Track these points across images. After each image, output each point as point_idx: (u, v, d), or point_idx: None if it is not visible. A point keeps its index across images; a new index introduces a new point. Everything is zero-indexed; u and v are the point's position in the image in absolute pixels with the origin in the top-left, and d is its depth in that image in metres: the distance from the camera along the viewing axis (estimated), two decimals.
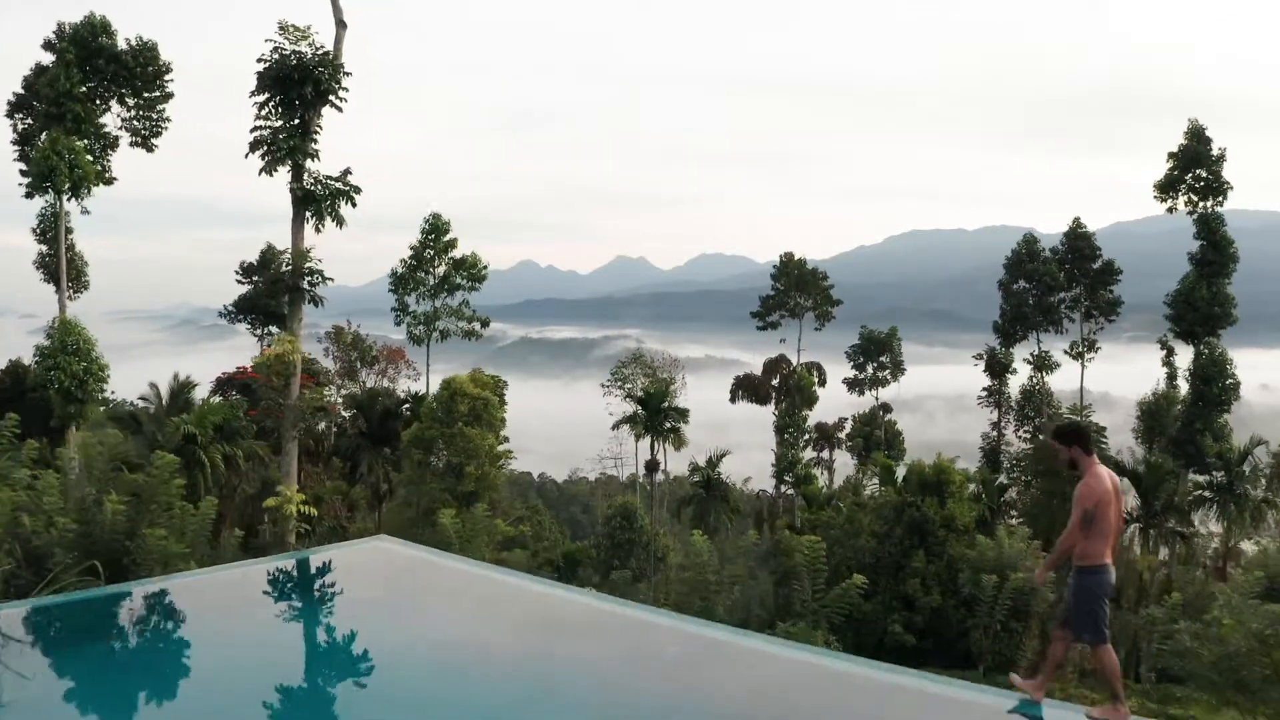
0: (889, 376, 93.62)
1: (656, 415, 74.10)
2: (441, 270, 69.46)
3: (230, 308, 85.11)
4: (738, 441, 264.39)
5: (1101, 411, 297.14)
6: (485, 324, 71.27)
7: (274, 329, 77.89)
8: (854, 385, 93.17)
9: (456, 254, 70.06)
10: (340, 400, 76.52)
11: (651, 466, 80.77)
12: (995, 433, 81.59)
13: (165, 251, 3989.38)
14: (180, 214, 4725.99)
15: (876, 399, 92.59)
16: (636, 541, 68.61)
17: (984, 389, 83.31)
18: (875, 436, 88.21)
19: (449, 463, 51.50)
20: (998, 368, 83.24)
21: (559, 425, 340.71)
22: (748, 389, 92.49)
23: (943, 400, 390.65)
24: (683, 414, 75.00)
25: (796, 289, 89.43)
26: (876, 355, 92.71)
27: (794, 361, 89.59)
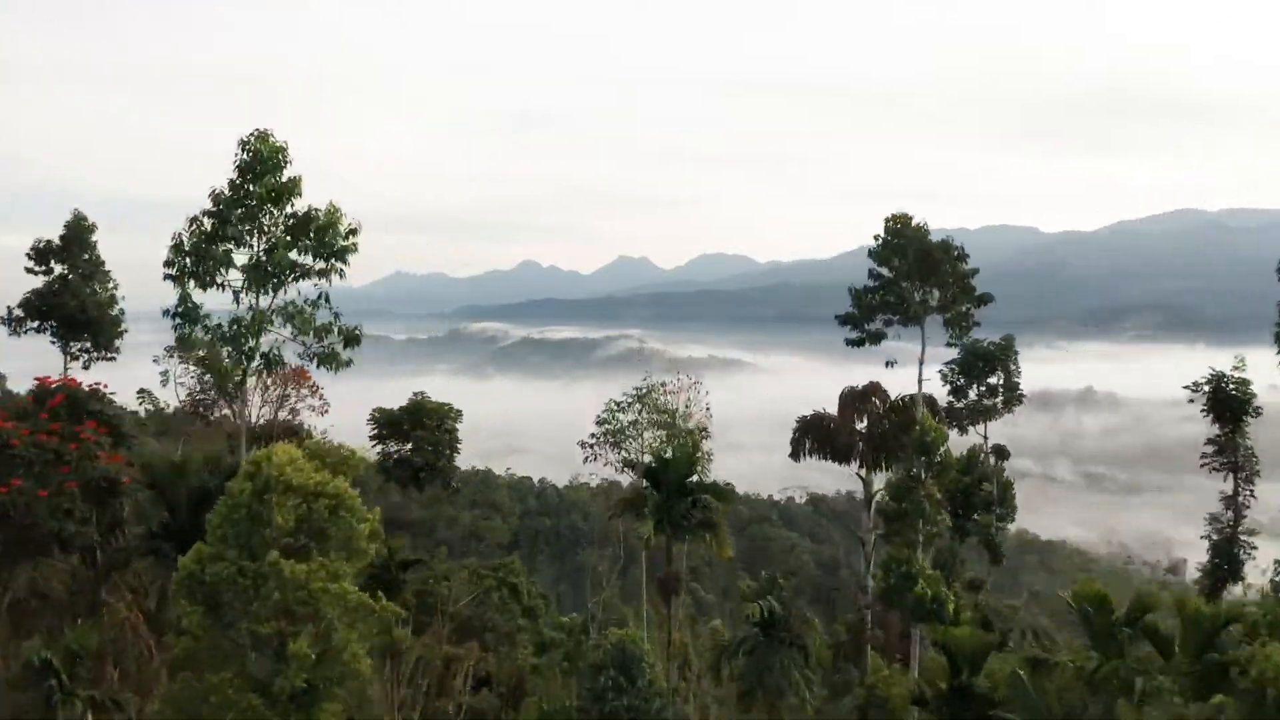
0: (1000, 405, 66.27)
1: (677, 501, 47.60)
2: (267, 237, 39.70)
3: (15, 310, 56.84)
4: (738, 442, 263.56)
5: (1107, 413, 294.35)
6: (353, 340, 42.23)
7: (83, 343, 54.38)
8: (950, 417, 64.12)
9: (300, 206, 39.41)
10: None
11: (669, 585, 51.85)
12: (1230, 514, 50.88)
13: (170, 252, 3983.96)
14: (184, 215, 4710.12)
15: (985, 437, 66.00)
16: (642, 712, 42.28)
17: (1209, 441, 52.85)
18: (982, 493, 62.12)
19: (255, 634, 27.56)
20: (1233, 405, 51.26)
21: (559, 426, 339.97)
22: (819, 436, 59.54)
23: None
24: (723, 495, 50.43)
25: (917, 275, 57.70)
26: (984, 375, 65.54)
27: (879, 391, 60.31)
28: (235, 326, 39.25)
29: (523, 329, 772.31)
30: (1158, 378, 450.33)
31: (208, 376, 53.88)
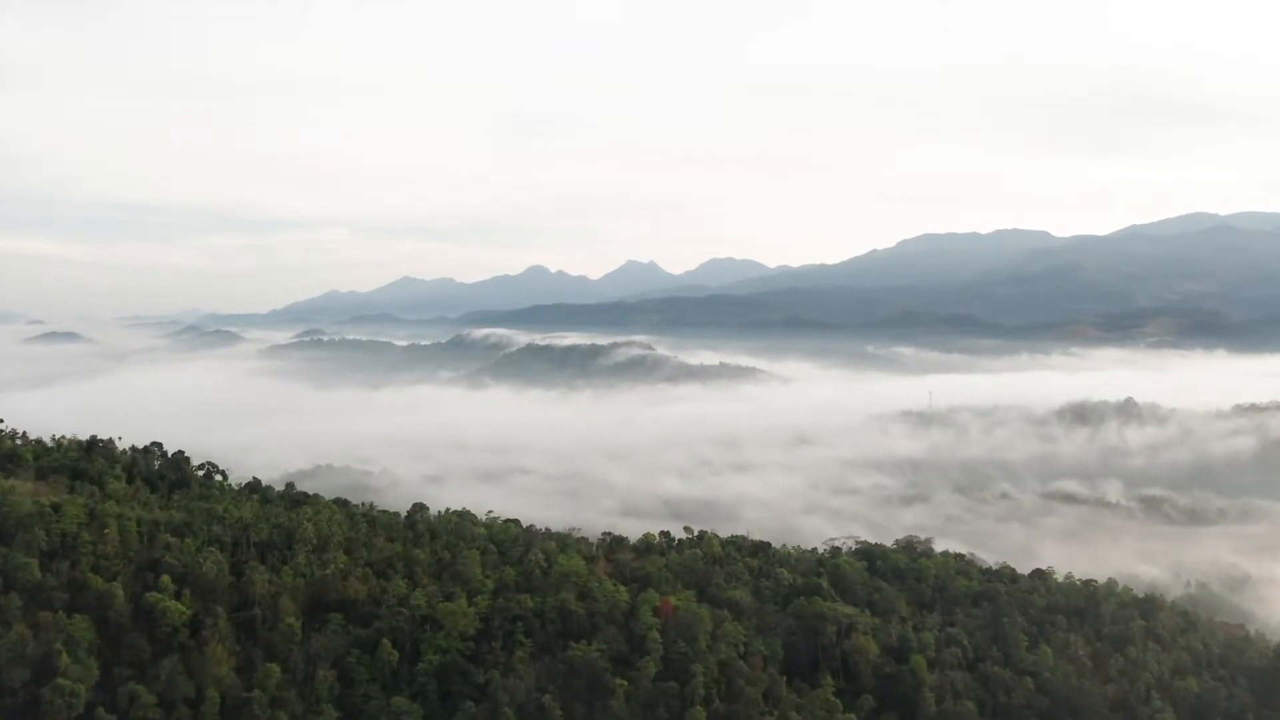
0: None
1: None
2: None
3: None
4: (751, 460, 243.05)
5: (1152, 426, 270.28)
6: None
7: None
8: None
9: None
10: None
11: None
12: None
13: (177, 257, 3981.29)
14: (191, 220, 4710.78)
15: None
16: None
17: None
18: None
19: None
20: None
21: (560, 440, 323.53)
22: None
23: (974, 413, 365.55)
24: None
25: None
26: None
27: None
28: None
29: (530, 334, 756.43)
30: (1193, 387, 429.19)
31: None
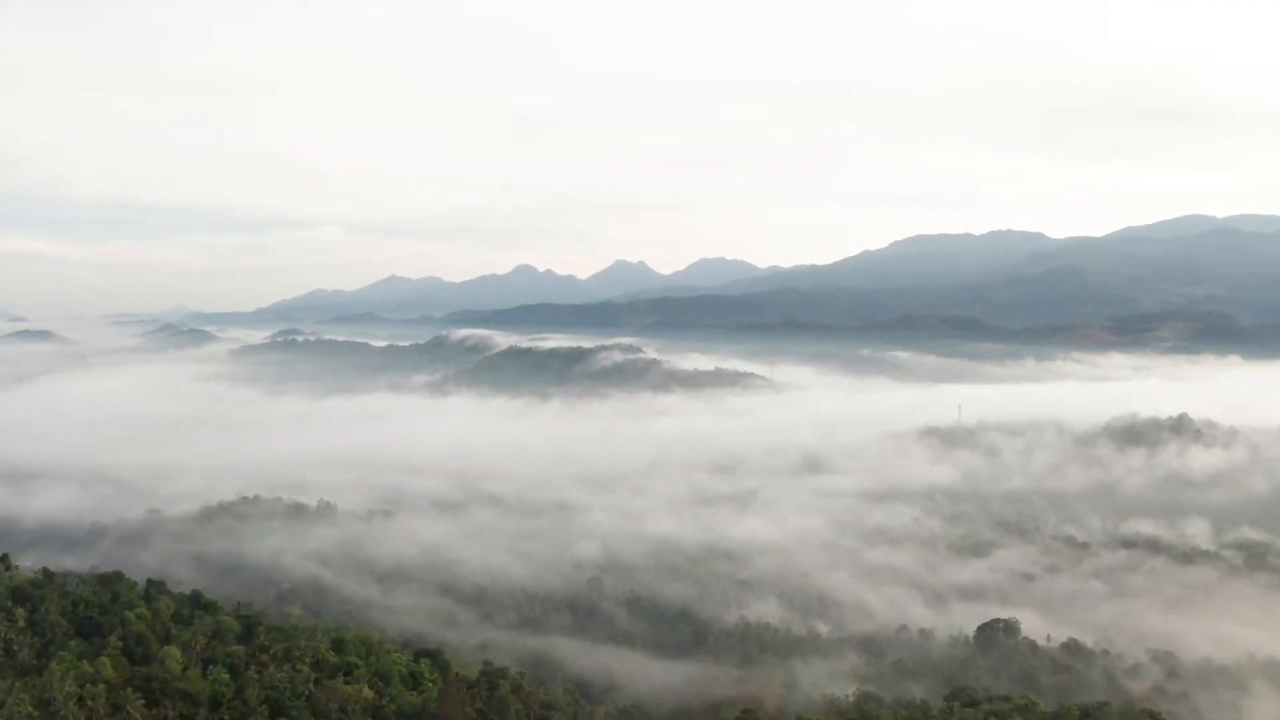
0: None
1: None
2: None
3: None
4: (756, 491, 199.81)
5: (1217, 448, 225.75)
6: None
7: None
8: None
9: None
10: None
11: None
12: None
13: (172, 255, 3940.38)
14: (189, 219, 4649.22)
15: None
16: None
17: None
18: None
19: None
20: None
21: (535, 456, 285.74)
22: None
23: (1002, 431, 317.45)
24: None
25: None
26: None
27: None
28: None
29: (514, 336, 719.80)
30: (1236, 398, 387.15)
31: None
